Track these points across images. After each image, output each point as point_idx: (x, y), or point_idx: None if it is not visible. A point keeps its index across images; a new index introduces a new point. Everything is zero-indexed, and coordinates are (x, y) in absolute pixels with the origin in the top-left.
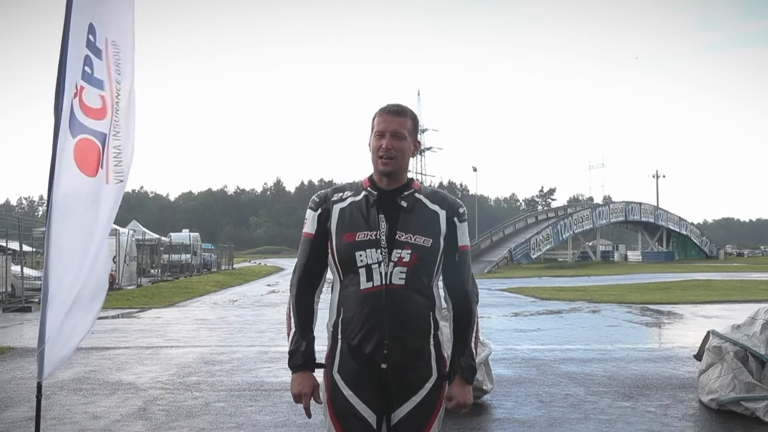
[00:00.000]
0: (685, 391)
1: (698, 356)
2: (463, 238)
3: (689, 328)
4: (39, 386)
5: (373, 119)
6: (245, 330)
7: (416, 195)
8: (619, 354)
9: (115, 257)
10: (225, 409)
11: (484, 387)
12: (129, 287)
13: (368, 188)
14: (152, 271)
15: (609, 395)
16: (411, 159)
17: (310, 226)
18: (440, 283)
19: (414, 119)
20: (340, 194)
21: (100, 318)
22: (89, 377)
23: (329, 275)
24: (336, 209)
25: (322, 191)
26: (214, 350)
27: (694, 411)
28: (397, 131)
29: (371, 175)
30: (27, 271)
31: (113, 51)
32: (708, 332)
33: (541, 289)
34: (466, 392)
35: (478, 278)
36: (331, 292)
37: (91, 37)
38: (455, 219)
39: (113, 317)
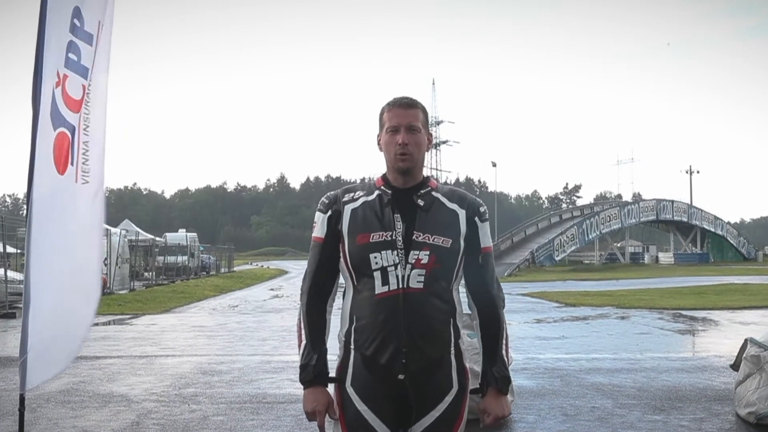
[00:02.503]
0: (720, 403)
1: (735, 366)
2: (486, 239)
3: (725, 336)
4: (22, 398)
5: (381, 115)
6: (246, 338)
7: (433, 194)
8: (649, 364)
9: (106, 259)
10: (225, 423)
11: None
12: (121, 292)
13: (382, 187)
14: (146, 274)
15: (639, 408)
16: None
17: (319, 230)
18: (461, 288)
19: (425, 111)
20: (352, 194)
21: None
22: (78, 389)
23: (342, 281)
24: (347, 210)
25: (332, 192)
26: (213, 360)
27: (731, 425)
28: (411, 124)
29: (384, 174)
30: (11, 274)
31: (92, 39)
32: (746, 340)
33: (566, 293)
34: (503, 404)
35: None
36: (343, 298)
37: (76, 21)
38: (476, 219)
39: (104, 324)
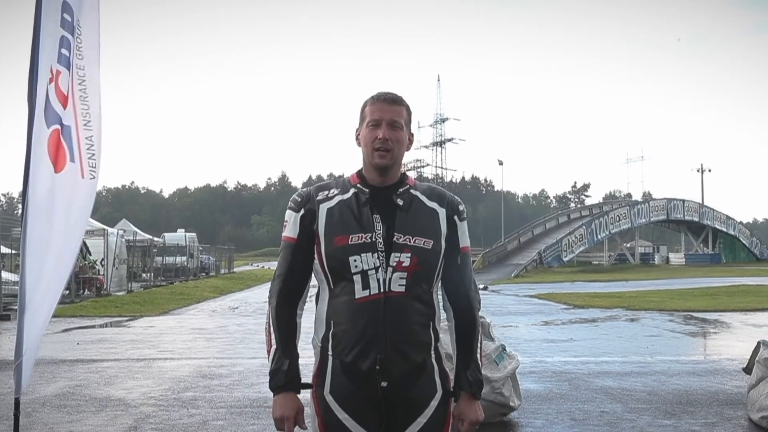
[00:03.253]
0: (733, 407)
1: (748, 369)
2: (464, 239)
3: (738, 339)
4: (17, 402)
5: (363, 108)
6: (247, 340)
7: (412, 191)
8: (660, 367)
9: (102, 260)
10: (224, 427)
11: (511, 403)
12: (118, 293)
13: (358, 185)
14: (144, 275)
15: (649, 413)
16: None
17: (291, 230)
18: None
19: (409, 110)
20: (326, 192)
21: (86, 327)
22: (74, 392)
23: (313, 283)
24: (323, 210)
25: (305, 189)
26: (213, 363)
27: (743, 430)
28: (393, 120)
29: (360, 171)
30: (5, 275)
31: (77, 33)
32: (759, 343)
33: (574, 295)
34: (476, 409)
35: (504, 283)
36: (317, 302)
37: (66, 15)
38: (455, 217)
39: (101, 326)
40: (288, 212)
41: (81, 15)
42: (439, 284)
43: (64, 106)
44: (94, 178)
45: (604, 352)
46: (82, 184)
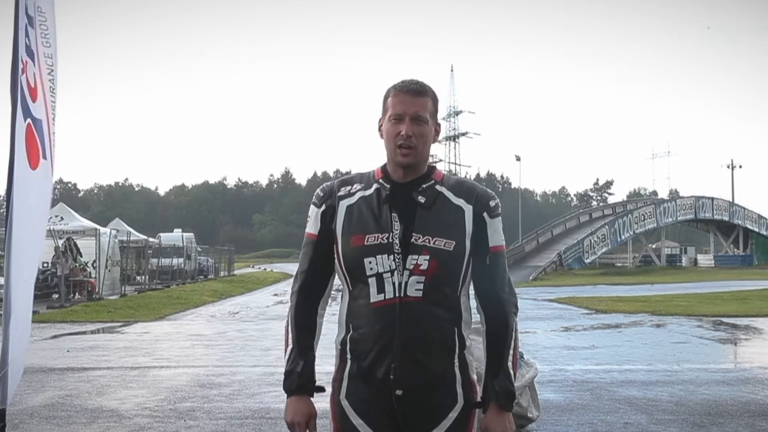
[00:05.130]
0: (765, 419)
1: None
2: (496, 237)
3: None
4: (2, 413)
5: (386, 99)
6: (248, 347)
7: (437, 187)
8: (687, 376)
9: (94, 262)
10: None
11: (529, 414)
12: (111, 297)
13: (380, 180)
14: (138, 278)
15: (676, 424)
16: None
17: (312, 226)
18: (471, 293)
19: (435, 99)
20: (348, 188)
21: (76, 334)
22: (64, 403)
23: (338, 281)
24: (342, 206)
25: (328, 183)
26: (212, 371)
27: None
28: (418, 114)
29: (385, 165)
30: None
31: (40, 18)
32: None
33: (596, 299)
34: (505, 421)
35: (522, 286)
36: (340, 302)
37: (27, 1)
38: (485, 214)
39: (92, 332)
40: (311, 207)
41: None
42: (470, 286)
43: (34, 99)
44: (52, 176)
45: (628, 359)
46: (47, 182)
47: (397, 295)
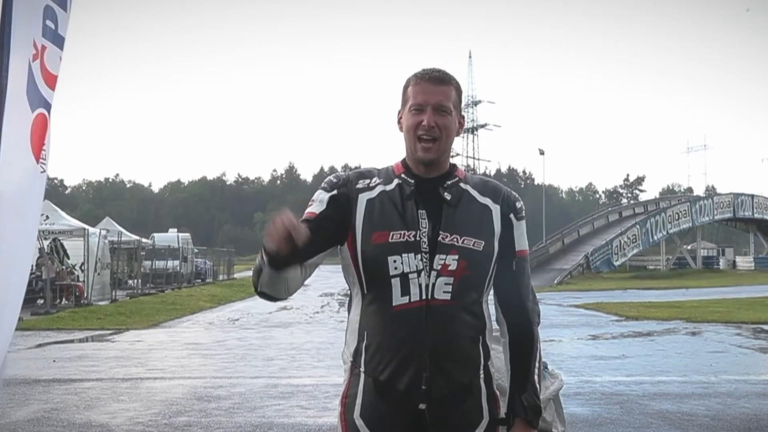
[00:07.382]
0: None
1: None
2: (522, 241)
3: None
4: None
5: (405, 88)
6: (249, 357)
7: (461, 185)
8: (725, 388)
9: (83, 265)
10: None
11: (554, 430)
12: (101, 302)
13: (402, 175)
14: (130, 281)
15: None
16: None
17: (316, 207)
18: (490, 299)
19: (458, 88)
20: (367, 181)
21: (63, 342)
22: (50, 417)
23: (344, 286)
24: (362, 200)
25: (342, 174)
26: (210, 383)
27: None
28: (440, 104)
29: (404, 159)
30: None
31: (69, 6)
32: None
33: (627, 305)
34: None
35: (546, 291)
36: (348, 310)
37: None
38: (512, 216)
39: (80, 341)
40: (318, 192)
41: None
42: (491, 293)
43: (51, 86)
44: (44, 171)
45: (661, 370)
46: (42, 177)
47: (424, 297)
